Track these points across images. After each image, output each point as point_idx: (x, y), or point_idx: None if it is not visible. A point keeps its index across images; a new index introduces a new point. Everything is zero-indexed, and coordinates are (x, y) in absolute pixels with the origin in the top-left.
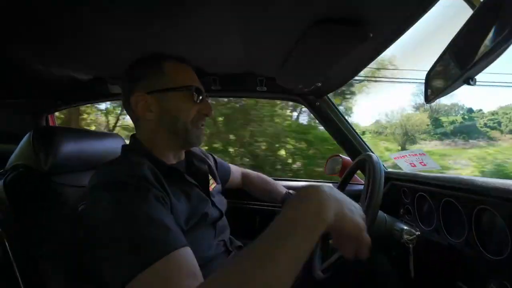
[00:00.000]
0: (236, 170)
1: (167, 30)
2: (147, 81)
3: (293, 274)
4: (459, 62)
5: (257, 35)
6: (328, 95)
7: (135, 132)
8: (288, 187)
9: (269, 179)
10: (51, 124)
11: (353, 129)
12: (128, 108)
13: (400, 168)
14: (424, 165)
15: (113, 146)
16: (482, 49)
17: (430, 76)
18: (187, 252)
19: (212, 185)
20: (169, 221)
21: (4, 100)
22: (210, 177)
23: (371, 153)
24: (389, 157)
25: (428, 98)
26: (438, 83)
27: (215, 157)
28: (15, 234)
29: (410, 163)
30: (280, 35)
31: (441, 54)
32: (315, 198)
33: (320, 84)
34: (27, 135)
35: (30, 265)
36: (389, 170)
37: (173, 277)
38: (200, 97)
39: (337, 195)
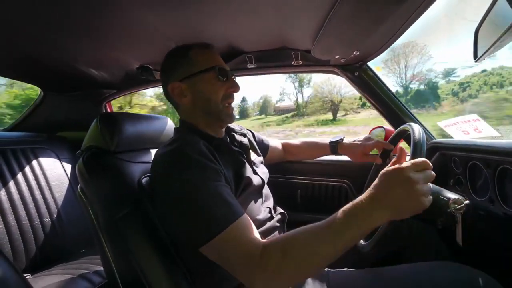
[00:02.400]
0: (275, 143)
1: (202, 15)
2: (178, 70)
3: (349, 247)
4: (511, 10)
5: (290, 6)
6: (368, 63)
7: (180, 117)
8: None
9: (308, 138)
10: (109, 110)
11: (396, 98)
12: (168, 96)
13: (450, 137)
14: (480, 132)
15: (164, 127)
16: None
17: (479, 31)
18: (247, 218)
19: (253, 156)
20: (229, 194)
21: (69, 93)
22: (250, 150)
23: (412, 123)
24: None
25: (477, 56)
26: (488, 37)
27: (254, 132)
28: (95, 202)
29: (463, 131)
30: (313, 3)
31: (490, 4)
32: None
33: (358, 53)
34: (95, 120)
35: (111, 226)
36: (437, 139)
37: (243, 238)
38: (226, 76)
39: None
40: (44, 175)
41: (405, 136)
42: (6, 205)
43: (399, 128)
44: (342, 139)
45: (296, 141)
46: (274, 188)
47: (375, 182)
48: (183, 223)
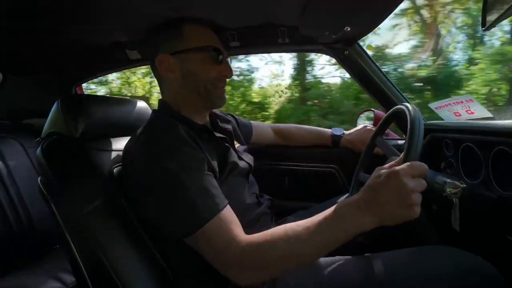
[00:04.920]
0: (261, 126)
1: None
2: (169, 43)
3: (332, 249)
4: None
5: None
6: (359, 41)
7: (161, 97)
8: None
9: (304, 126)
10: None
11: (388, 79)
12: (154, 70)
13: (441, 119)
14: (472, 113)
15: (139, 112)
16: None
17: None
18: (229, 210)
19: (236, 144)
20: (212, 184)
21: (31, 76)
22: (234, 137)
23: (407, 103)
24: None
25: (486, 24)
26: (498, 4)
27: (236, 116)
28: (58, 195)
29: (454, 113)
30: None
31: None
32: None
33: (349, 29)
34: (55, 104)
35: (77, 223)
36: (429, 121)
37: (224, 231)
38: (220, 58)
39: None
40: (6, 167)
41: (399, 117)
42: None
43: (392, 109)
44: (344, 133)
45: (290, 126)
46: (261, 175)
47: (368, 183)
48: (163, 215)
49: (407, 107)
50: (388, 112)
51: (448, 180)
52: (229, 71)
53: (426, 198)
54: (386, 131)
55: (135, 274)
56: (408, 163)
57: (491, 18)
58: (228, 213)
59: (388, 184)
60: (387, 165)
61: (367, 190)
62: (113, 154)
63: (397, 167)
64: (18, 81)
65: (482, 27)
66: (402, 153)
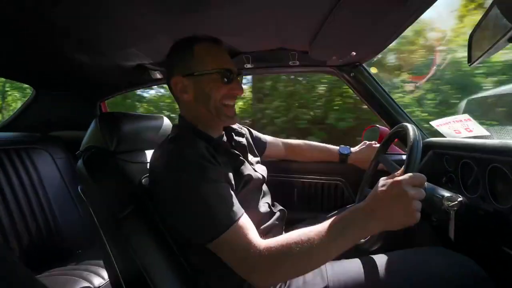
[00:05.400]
0: (275, 141)
1: (202, 14)
2: (182, 65)
3: (341, 252)
4: (504, 19)
5: (288, 8)
6: (364, 64)
7: (180, 113)
8: None
9: (313, 142)
10: (103, 110)
11: (391, 98)
12: (170, 90)
13: (443, 136)
14: (470, 131)
15: (162, 127)
16: None
17: (473, 36)
18: (247, 218)
19: (249, 157)
20: (230, 194)
21: (63, 92)
22: (248, 150)
23: (407, 123)
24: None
25: (472, 60)
26: (481, 43)
27: (251, 130)
28: (96, 202)
29: (454, 130)
30: (312, 5)
31: (486, 11)
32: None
33: (354, 54)
34: (94, 120)
35: (113, 226)
36: (431, 138)
37: (243, 237)
38: (231, 77)
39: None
40: (38, 176)
41: (400, 135)
42: (0, 206)
43: (394, 128)
44: (350, 152)
45: (300, 142)
46: (272, 187)
47: (373, 192)
48: (186, 223)
49: (407, 127)
50: (389, 132)
51: (446, 194)
52: (239, 89)
53: (426, 210)
54: (390, 146)
55: (164, 275)
56: (409, 174)
57: (476, 54)
58: (245, 220)
59: (391, 192)
60: (389, 176)
61: (372, 198)
62: (142, 166)
63: (399, 178)
64: (48, 96)
65: (468, 62)
66: (403, 166)
